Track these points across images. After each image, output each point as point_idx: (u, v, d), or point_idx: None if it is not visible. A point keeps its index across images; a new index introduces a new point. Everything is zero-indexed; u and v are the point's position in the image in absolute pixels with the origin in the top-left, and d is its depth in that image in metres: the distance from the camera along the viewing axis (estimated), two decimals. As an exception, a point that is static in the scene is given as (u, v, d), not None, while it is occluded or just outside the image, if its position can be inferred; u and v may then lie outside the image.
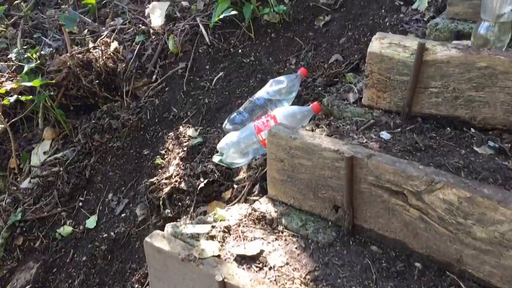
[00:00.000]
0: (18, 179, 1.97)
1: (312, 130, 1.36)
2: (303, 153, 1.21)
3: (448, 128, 1.27)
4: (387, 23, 1.87)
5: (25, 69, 1.92)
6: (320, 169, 1.19)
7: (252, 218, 1.28)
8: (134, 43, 2.13)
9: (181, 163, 1.66)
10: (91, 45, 2.05)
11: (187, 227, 1.26)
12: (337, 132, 1.32)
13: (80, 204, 1.81)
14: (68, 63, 1.92)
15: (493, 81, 1.17)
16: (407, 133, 1.28)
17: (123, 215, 1.67)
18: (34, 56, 1.98)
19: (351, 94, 1.47)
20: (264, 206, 1.32)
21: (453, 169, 1.09)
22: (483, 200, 0.96)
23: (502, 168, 1.09)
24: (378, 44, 1.33)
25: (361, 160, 1.11)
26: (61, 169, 1.85)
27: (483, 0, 1.24)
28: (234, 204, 1.47)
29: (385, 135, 1.27)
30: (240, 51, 2.04)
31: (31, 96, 1.86)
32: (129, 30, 2.18)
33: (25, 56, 1.98)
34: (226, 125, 1.67)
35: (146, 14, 2.23)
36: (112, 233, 1.64)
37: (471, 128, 1.24)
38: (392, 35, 1.33)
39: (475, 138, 1.22)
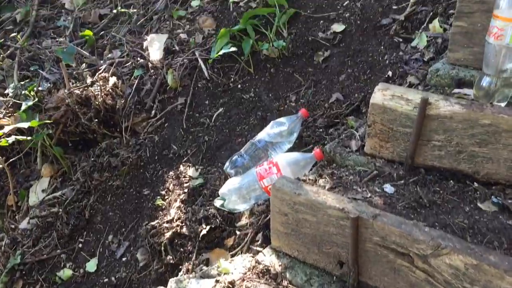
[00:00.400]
0: (16, 217, 1.95)
1: (315, 181, 1.36)
2: (307, 209, 1.21)
3: (452, 181, 1.27)
4: (387, 61, 1.88)
5: (23, 107, 1.90)
6: (324, 226, 1.19)
7: (256, 272, 1.28)
8: (132, 77, 2.12)
9: (182, 205, 1.65)
10: (89, 80, 2.04)
11: (191, 283, 1.26)
12: (340, 184, 1.32)
13: (80, 245, 1.79)
14: (66, 101, 1.91)
15: (496, 138, 1.18)
16: (411, 186, 1.28)
17: (124, 259, 1.66)
18: (32, 93, 1.96)
19: (353, 141, 1.47)
20: (268, 258, 1.32)
21: (458, 230, 1.10)
22: (490, 268, 0.96)
23: (506, 228, 1.10)
24: (381, 95, 1.33)
25: (366, 220, 1.11)
26: (60, 209, 1.83)
27: (485, 55, 1.25)
28: (237, 252, 1.47)
29: (388, 188, 1.27)
30: (239, 86, 2.04)
31: (29, 137, 1.85)
32: (127, 64, 2.17)
33: (23, 92, 1.96)
34: (228, 167, 1.66)
35: (144, 47, 2.23)
36: (113, 278, 1.63)
37: (474, 182, 1.25)
38: (394, 87, 1.34)
39: (478, 193, 1.22)
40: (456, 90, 1.42)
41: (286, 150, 1.68)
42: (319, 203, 1.18)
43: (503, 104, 1.27)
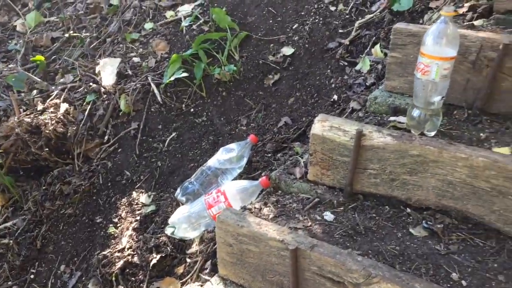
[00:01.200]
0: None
1: (260, 209, 1.40)
2: (250, 240, 1.25)
3: (387, 207, 1.34)
4: (333, 85, 1.95)
5: (-29, 136, 1.87)
6: (267, 256, 1.24)
7: (204, 302, 1.31)
8: (85, 102, 2.12)
9: (134, 233, 1.67)
10: (40, 107, 2.03)
11: (139, 316, 1.28)
12: (284, 213, 1.37)
13: (32, 276, 1.78)
14: (16, 130, 1.89)
15: (424, 168, 1.25)
16: (349, 212, 1.34)
17: (75, 289, 1.66)
18: (-20, 122, 1.94)
19: (297, 168, 1.53)
20: (215, 287, 1.35)
21: (389, 258, 1.16)
22: (415, 295, 1.03)
23: (434, 253, 1.17)
24: (320, 126, 1.39)
25: (304, 251, 1.16)
26: (11, 240, 1.81)
27: (414, 89, 1.33)
28: (186, 280, 1.49)
29: (328, 216, 1.33)
30: (192, 110, 2.07)
31: (-23, 167, 1.83)
32: (79, 89, 2.17)
33: (-29, 121, 1.94)
34: (179, 194, 1.69)
35: (97, 71, 2.23)
36: (64, 310, 1.63)
37: (408, 208, 1.32)
38: (333, 118, 1.40)
39: (411, 217, 1.30)
40: (392, 118, 1.50)
41: (236, 176, 1.72)
42: (261, 234, 1.22)
43: (432, 133, 1.35)
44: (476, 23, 1.64)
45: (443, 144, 1.24)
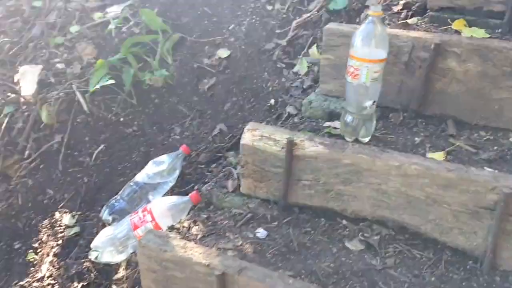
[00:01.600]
0: None
1: (189, 228, 1.29)
2: (175, 265, 1.14)
3: (323, 219, 1.26)
4: (270, 88, 1.86)
5: None
6: (193, 282, 1.13)
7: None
8: (1, 115, 1.92)
9: (55, 259, 1.51)
10: (-51, 122, 1.83)
11: None
12: (214, 231, 1.27)
13: None
14: None
15: (358, 177, 1.18)
16: (284, 227, 1.25)
17: (-10, 326, 1.49)
18: None
19: (230, 181, 1.43)
20: (141, 317, 1.23)
21: (323, 277, 1.08)
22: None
23: (370, 269, 1.10)
24: (250, 136, 1.29)
25: (231, 276, 1.06)
26: None
27: (346, 93, 1.26)
28: (112, 311, 1.36)
29: (261, 233, 1.24)
30: (122, 119, 1.92)
31: None
32: (-4, 100, 1.97)
33: None
34: (104, 214, 1.55)
35: (15, 80, 2.04)
36: None
37: (344, 220, 1.25)
38: (263, 127, 1.31)
39: (347, 230, 1.23)
40: (327, 123, 1.43)
41: (168, 190, 1.60)
42: (186, 259, 1.12)
43: (367, 139, 1.28)
44: (410, 21, 1.60)
45: (376, 152, 1.17)
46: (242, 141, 1.31)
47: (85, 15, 2.32)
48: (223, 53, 2.04)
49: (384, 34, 1.18)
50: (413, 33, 1.34)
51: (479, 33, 1.45)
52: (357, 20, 1.90)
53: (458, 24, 1.49)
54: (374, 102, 1.22)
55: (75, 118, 1.93)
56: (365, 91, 1.21)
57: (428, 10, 1.60)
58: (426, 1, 1.63)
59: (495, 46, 1.23)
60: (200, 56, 2.07)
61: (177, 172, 1.62)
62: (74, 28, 2.24)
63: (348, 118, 1.27)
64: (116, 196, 1.57)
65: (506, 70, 1.23)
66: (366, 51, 1.17)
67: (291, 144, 1.23)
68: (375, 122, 1.29)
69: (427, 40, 1.30)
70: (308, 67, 1.85)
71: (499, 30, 1.45)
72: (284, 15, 2.09)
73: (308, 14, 2.04)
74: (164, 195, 1.59)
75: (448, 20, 1.51)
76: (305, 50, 1.92)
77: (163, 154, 1.69)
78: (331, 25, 1.46)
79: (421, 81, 1.33)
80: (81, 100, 1.94)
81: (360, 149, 1.18)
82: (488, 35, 1.43)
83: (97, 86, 1.82)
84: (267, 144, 1.28)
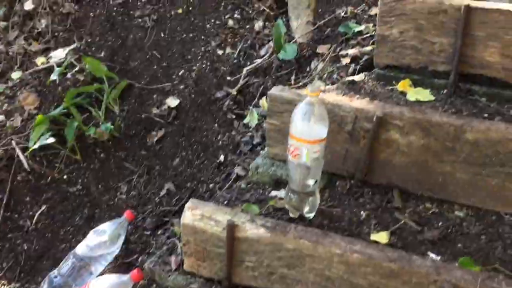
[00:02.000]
0: None
1: (128, 316, 1.22)
2: None
3: (268, 302, 1.22)
4: (220, 142, 1.81)
5: None
6: None
7: None
8: None
9: None
10: None
11: None
12: (152, 321, 1.20)
13: None
14: None
15: (301, 262, 1.14)
16: (226, 313, 1.20)
17: None
18: None
19: (173, 257, 1.36)
20: None
21: None
22: None
23: None
24: (191, 215, 1.23)
25: None
26: None
27: (288, 172, 1.22)
28: None
29: (201, 322, 1.18)
30: (65, 177, 1.83)
31: None
32: None
33: None
34: (43, 290, 1.46)
35: (-50, 136, 1.92)
36: None
37: (289, 302, 1.20)
38: (204, 205, 1.25)
39: (293, 313, 1.18)
40: (273, 193, 1.38)
41: (112, 260, 1.52)
42: None
43: (311, 215, 1.25)
44: (357, 78, 1.58)
45: (318, 236, 1.13)
46: (182, 220, 1.25)
47: (28, 59, 2.21)
48: (173, 102, 1.97)
49: (324, 113, 1.14)
50: (355, 103, 1.31)
51: (424, 94, 1.44)
52: (308, 69, 1.87)
53: (403, 84, 1.47)
54: (316, 181, 1.18)
55: (15, 176, 1.83)
56: (307, 170, 1.17)
57: (375, 67, 1.58)
58: (373, 56, 1.61)
59: (436, 120, 1.21)
60: (148, 105, 1.99)
61: (122, 239, 1.55)
62: (16, 75, 2.14)
63: (292, 195, 1.23)
64: (55, 270, 1.48)
65: (448, 145, 1.21)
66: (305, 131, 1.13)
67: (232, 227, 1.18)
68: (318, 196, 1.25)
69: (369, 111, 1.27)
70: (259, 119, 1.80)
71: (444, 91, 1.45)
72: (235, 60, 2.05)
73: (260, 61, 2.00)
74: (108, 265, 1.51)
75: (394, 80, 1.49)
76: (255, 100, 1.88)
77: (107, 216, 1.62)
78: (274, 91, 1.42)
79: (365, 151, 1.30)
80: (21, 157, 1.83)
81: (302, 233, 1.14)
82: (433, 98, 1.43)
83: (36, 146, 1.72)
84: (208, 225, 1.22)
